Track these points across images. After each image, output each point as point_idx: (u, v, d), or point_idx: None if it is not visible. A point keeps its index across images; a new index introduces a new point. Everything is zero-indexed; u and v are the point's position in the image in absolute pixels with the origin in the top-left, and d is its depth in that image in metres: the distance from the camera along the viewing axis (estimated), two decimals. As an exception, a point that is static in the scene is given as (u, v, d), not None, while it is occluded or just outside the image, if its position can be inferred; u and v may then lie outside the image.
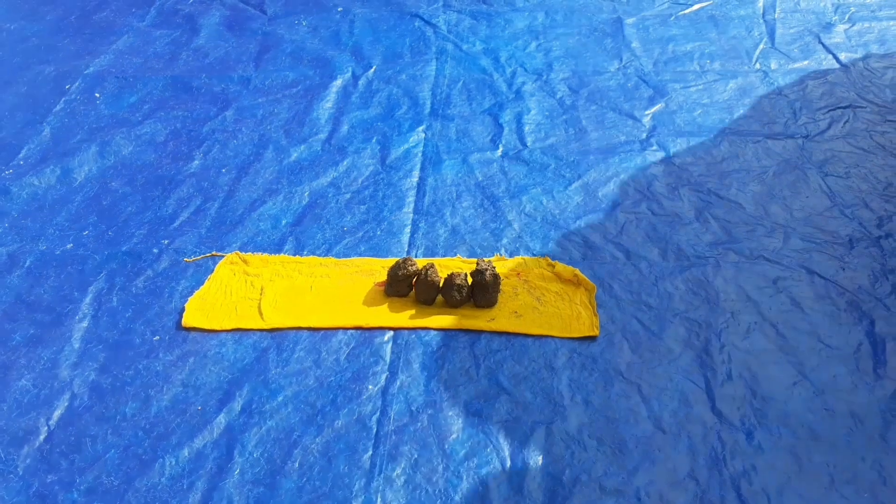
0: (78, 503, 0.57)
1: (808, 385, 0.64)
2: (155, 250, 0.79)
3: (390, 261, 0.75)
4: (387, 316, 0.71)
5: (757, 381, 0.65)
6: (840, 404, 0.63)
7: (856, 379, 0.65)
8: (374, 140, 0.95)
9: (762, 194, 0.85)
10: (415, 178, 0.88)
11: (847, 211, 0.82)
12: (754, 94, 1.01)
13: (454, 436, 0.61)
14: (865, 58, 1.07)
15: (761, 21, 1.17)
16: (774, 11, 1.19)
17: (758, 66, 1.07)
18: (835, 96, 1.00)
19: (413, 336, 0.70)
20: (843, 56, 1.07)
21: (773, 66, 1.06)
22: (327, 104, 1.02)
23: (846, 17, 1.16)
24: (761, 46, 1.11)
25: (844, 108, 0.97)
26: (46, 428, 0.63)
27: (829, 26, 1.14)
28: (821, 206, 0.83)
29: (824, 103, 0.98)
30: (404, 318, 0.71)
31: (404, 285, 0.72)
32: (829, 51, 1.09)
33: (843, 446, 0.60)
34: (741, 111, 0.98)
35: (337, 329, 0.70)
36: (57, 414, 0.64)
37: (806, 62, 1.07)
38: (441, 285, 0.71)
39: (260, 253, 0.78)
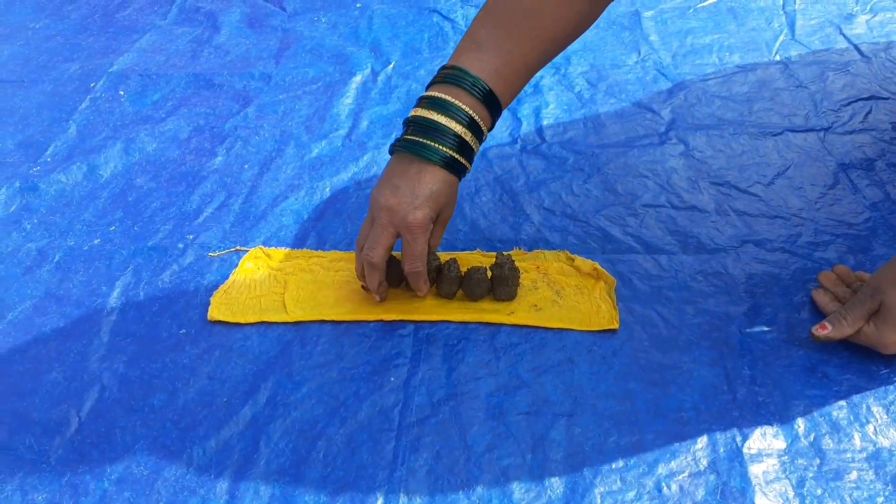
0: (109, 492, 0.59)
1: (830, 378, 0.64)
2: (180, 245, 0.80)
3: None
4: (408, 309, 0.72)
5: (778, 373, 0.65)
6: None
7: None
8: (393, 135, 0.95)
9: (782, 187, 0.84)
10: (434, 173, 0.89)
11: (868, 203, 0.82)
12: (774, 86, 1.00)
13: (475, 428, 0.62)
14: (888, 48, 1.06)
15: (781, 12, 1.16)
16: (794, 2, 1.18)
17: (778, 57, 1.06)
18: (856, 88, 0.99)
19: (434, 329, 0.70)
20: (864, 47, 1.06)
21: (794, 57, 1.06)
22: (347, 100, 1.02)
23: (868, 8, 1.15)
24: (781, 38, 1.10)
25: (866, 99, 0.97)
26: (77, 419, 0.64)
27: (850, 17, 1.13)
28: (842, 199, 0.82)
29: (845, 95, 0.98)
30: (425, 311, 0.71)
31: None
32: (850, 42, 1.08)
33: (868, 440, 0.60)
34: (761, 104, 0.97)
35: (359, 322, 0.71)
36: (87, 405, 0.65)
37: (827, 53, 1.06)
38: (462, 279, 0.72)
39: (283, 247, 0.80)
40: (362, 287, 0.72)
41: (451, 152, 0.65)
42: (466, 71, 0.66)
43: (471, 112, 0.65)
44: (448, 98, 0.65)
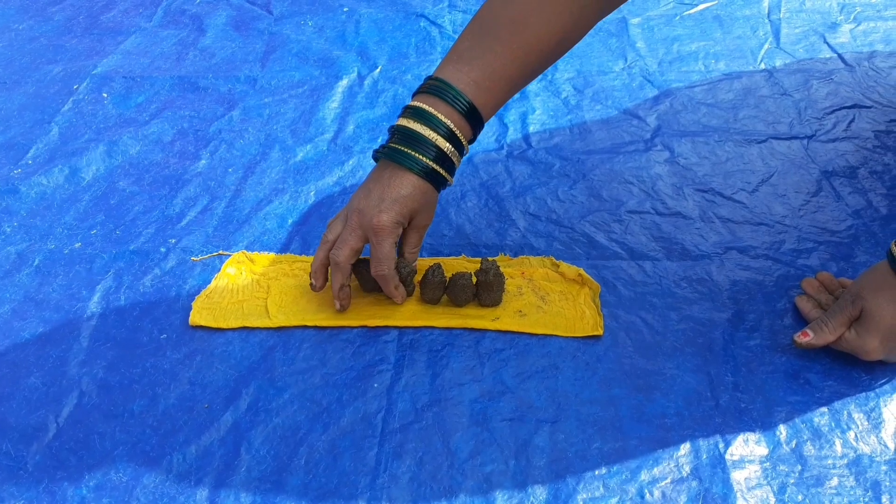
0: (87, 499, 0.58)
1: (812, 384, 0.65)
2: (162, 249, 0.80)
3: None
4: (392, 315, 0.71)
5: (760, 380, 0.65)
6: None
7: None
8: (379, 140, 0.95)
9: (767, 194, 0.85)
10: (420, 178, 0.88)
11: (851, 211, 0.82)
12: (759, 94, 1.01)
13: (459, 434, 0.62)
14: (871, 57, 1.07)
15: (766, 21, 1.17)
16: (780, 11, 1.19)
17: (763, 66, 1.07)
18: (840, 96, 1.00)
19: (418, 335, 0.70)
20: (848, 56, 1.07)
21: (778, 65, 1.06)
22: (333, 104, 1.02)
23: (851, 17, 1.16)
24: (766, 46, 1.11)
25: (849, 108, 0.98)
26: (55, 425, 0.63)
27: (834, 26, 1.14)
28: (825, 207, 0.83)
29: (829, 103, 0.99)
30: (409, 317, 0.71)
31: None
32: (834, 50, 1.09)
33: (849, 447, 0.60)
34: (746, 111, 0.98)
35: (342, 327, 0.71)
36: (66, 411, 0.64)
37: (811, 62, 1.07)
38: (446, 285, 0.72)
39: (266, 252, 0.79)
40: (310, 285, 0.70)
41: (429, 162, 0.66)
42: (449, 83, 0.66)
43: (450, 124, 0.66)
44: (429, 109, 0.66)
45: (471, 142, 0.69)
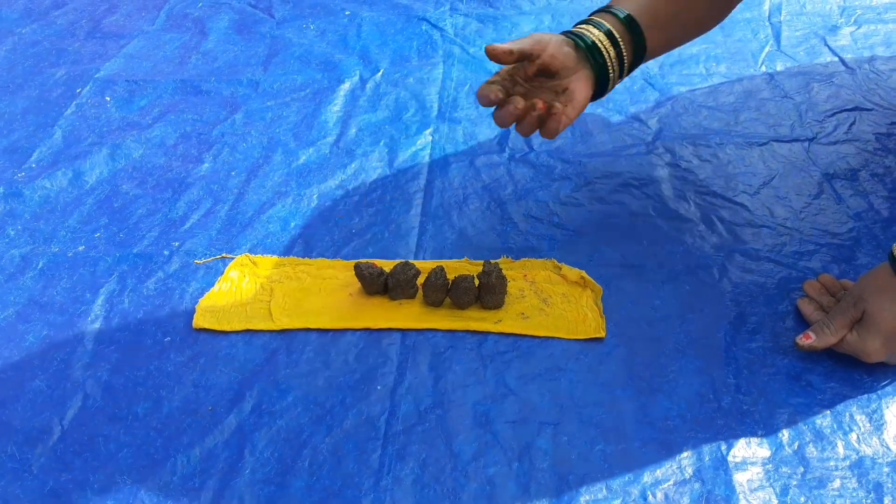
0: (91, 501, 0.58)
1: (814, 386, 0.65)
2: (166, 252, 0.80)
3: (393, 262, 0.76)
4: (395, 317, 0.72)
5: (763, 382, 0.65)
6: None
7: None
8: (381, 143, 0.95)
9: (768, 197, 0.85)
10: (422, 181, 0.89)
11: (852, 213, 0.82)
12: (759, 96, 1.01)
13: (462, 436, 0.62)
14: (871, 60, 1.07)
15: (767, 24, 1.17)
16: (780, 14, 1.19)
17: (763, 68, 1.07)
18: (841, 99, 1.00)
19: (421, 337, 0.70)
20: (849, 59, 1.08)
21: (779, 68, 1.07)
22: (335, 107, 1.02)
23: (852, 20, 1.17)
24: (767, 49, 1.11)
25: (850, 110, 0.98)
26: (60, 427, 0.63)
27: (834, 29, 1.15)
28: (826, 209, 0.83)
29: (830, 106, 0.99)
30: (412, 319, 0.71)
31: (407, 288, 0.73)
32: (834, 53, 1.09)
33: (851, 449, 0.60)
34: (747, 114, 0.98)
35: (345, 330, 0.71)
36: (70, 414, 0.64)
37: (812, 65, 1.07)
38: (449, 287, 0.72)
39: (269, 255, 0.79)
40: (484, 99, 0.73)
41: (578, 28, 0.76)
42: (613, 6, 0.78)
43: (608, 25, 0.75)
44: (591, 17, 0.78)
45: (630, 49, 0.77)
